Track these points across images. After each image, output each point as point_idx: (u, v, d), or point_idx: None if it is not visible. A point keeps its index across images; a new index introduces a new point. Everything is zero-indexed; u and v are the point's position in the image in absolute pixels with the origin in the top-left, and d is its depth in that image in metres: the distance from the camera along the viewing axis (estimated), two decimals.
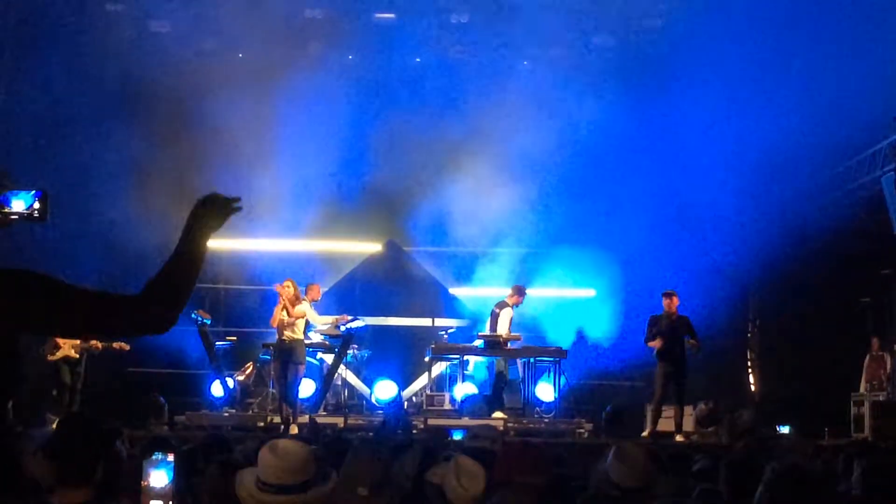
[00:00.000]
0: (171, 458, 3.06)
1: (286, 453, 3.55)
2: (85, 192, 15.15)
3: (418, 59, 17.35)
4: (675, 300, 13.75)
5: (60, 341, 13.48)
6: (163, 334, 2.75)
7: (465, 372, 14.79)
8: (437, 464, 4.38)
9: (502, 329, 14.56)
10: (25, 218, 3.02)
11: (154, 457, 3.07)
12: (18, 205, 3.01)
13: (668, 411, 13.92)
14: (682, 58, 15.98)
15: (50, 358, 13.49)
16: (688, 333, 13.67)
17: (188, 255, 2.78)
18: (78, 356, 13.68)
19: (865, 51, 13.89)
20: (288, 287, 13.11)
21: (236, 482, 3.61)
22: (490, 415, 13.82)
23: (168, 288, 2.71)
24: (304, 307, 13.25)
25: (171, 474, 3.03)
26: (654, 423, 13.63)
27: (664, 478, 4.60)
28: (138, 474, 3.08)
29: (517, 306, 14.91)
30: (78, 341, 13.47)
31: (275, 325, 13.12)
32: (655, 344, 13.63)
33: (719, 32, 15.53)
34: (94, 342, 13.56)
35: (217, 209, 2.87)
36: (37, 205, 3.01)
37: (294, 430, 12.57)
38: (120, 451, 4.29)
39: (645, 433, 13.51)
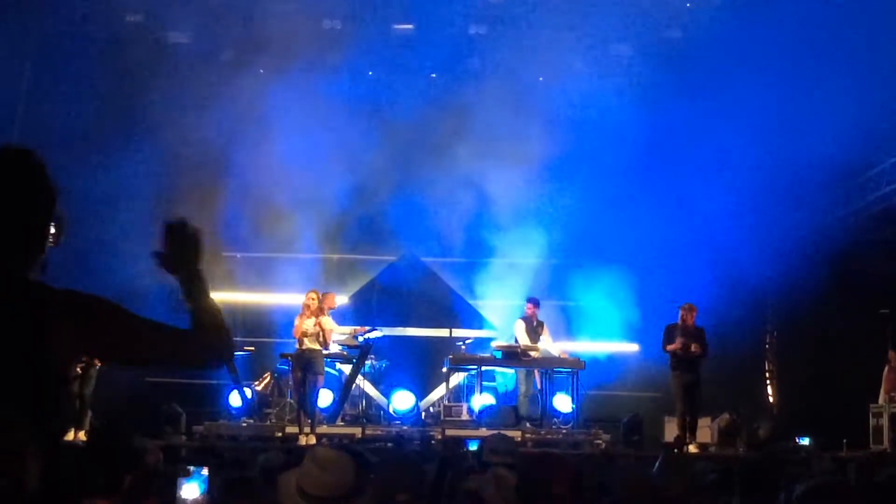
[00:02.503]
0: (204, 471, 3.06)
1: (329, 464, 3.49)
2: (102, 209, 15.14)
3: (434, 75, 17.39)
4: (694, 313, 13.80)
5: None
6: (216, 369, 2.67)
7: (486, 383, 14.79)
8: (475, 473, 4.37)
9: (521, 342, 14.55)
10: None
11: (187, 469, 3.08)
12: None
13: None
14: (701, 70, 15.99)
15: None
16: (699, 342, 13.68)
17: (201, 307, 2.68)
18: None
19: (882, 63, 13.86)
20: (314, 299, 13.11)
21: (279, 487, 3.55)
22: (516, 425, 13.75)
23: (210, 325, 2.65)
24: (327, 319, 13.29)
25: (204, 487, 3.04)
26: (683, 431, 13.66)
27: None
28: (171, 486, 3.11)
29: (530, 317, 14.89)
30: None
31: (297, 336, 13.10)
32: (675, 346, 13.61)
33: (738, 45, 15.54)
34: None
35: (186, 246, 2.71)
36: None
37: (312, 440, 12.62)
38: (149, 464, 4.31)
39: (671, 439, 13.58)
